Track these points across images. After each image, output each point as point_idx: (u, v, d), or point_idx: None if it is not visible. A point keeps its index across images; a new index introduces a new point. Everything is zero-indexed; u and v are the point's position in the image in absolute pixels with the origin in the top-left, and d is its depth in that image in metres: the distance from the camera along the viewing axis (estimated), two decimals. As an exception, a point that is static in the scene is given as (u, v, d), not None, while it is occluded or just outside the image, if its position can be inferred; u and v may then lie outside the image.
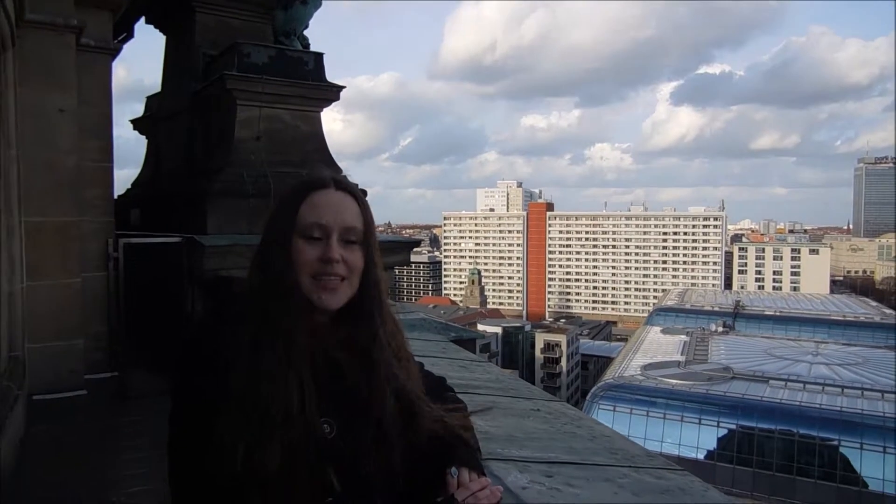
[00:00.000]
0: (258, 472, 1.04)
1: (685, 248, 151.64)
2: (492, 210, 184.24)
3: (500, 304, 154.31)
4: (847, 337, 55.75)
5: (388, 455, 1.19)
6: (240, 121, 6.44)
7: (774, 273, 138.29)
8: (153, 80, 8.72)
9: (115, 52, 5.93)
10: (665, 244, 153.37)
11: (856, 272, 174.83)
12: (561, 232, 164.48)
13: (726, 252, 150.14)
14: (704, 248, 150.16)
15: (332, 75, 6.92)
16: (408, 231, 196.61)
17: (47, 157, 4.89)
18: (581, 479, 2.38)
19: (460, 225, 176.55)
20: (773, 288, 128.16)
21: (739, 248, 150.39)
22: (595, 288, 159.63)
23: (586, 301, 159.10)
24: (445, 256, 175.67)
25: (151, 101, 9.25)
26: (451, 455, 1.25)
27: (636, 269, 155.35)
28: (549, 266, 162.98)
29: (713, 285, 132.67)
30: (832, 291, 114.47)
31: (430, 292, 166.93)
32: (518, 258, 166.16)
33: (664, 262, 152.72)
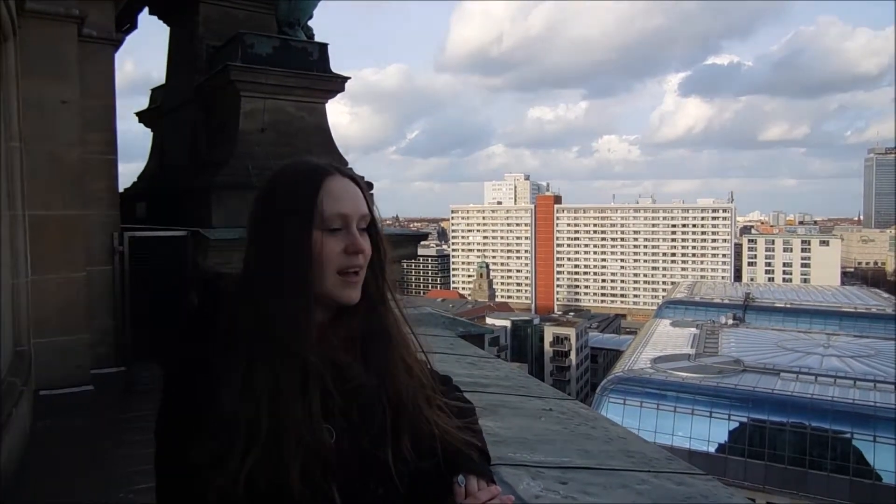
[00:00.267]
0: (257, 491, 0.96)
1: (694, 240, 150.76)
2: (499, 203, 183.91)
3: (509, 297, 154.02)
4: (858, 329, 55.22)
5: (394, 462, 1.09)
6: (244, 113, 6.37)
7: (784, 265, 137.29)
8: (161, 73, 8.68)
9: (118, 42, 5.86)
10: (674, 236, 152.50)
11: (867, 263, 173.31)
12: (569, 225, 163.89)
13: (736, 244, 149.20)
14: (714, 241, 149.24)
15: (338, 68, 6.85)
16: (415, 224, 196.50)
17: (50, 149, 4.83)
18: (597, 486, 2.25)
19: (468, 218, 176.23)
20: (784, 280, 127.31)
21: (749, 240, 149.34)
22: (604, 281, 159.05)
23: (595, 294, 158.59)
24: (453, 250, 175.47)
25: (156, 93, 9.20)
26: (459, 462, 1.16)
27: (645, 261, 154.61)
28: (558, 259, 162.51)
29: (723, 277, 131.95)
30: (843, 283, 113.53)
31: (438, 286, 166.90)
32: (526, 251, 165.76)
33: (673, 254, 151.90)
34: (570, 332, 78.02)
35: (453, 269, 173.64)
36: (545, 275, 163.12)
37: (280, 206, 1.09)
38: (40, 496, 3.49)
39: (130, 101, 10.17)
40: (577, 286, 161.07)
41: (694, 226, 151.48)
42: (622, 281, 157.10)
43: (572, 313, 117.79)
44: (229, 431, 0.96)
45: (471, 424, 1.24)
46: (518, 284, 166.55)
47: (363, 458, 1.06)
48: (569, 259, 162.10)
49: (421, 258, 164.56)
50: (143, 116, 9.80)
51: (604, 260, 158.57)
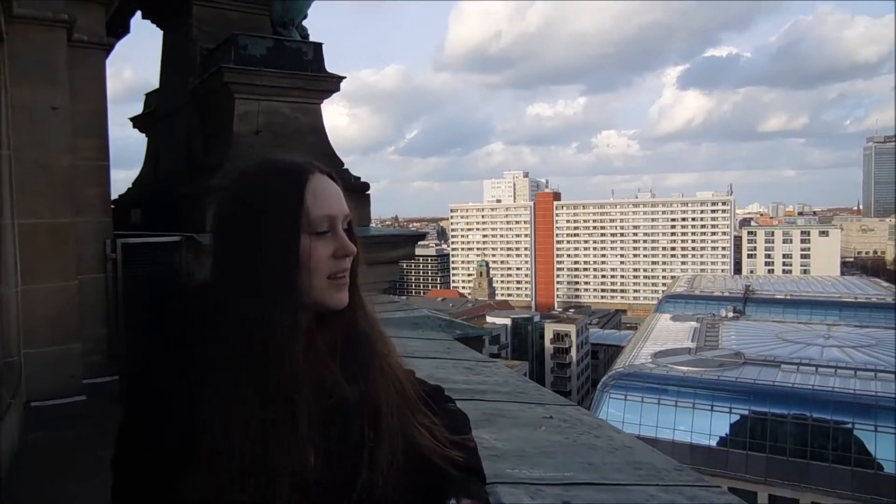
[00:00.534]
0: None
1: (693, 233, 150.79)
2: (499, 201, 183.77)
3: (509, 295, 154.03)
4: (859, 319, 55.21)
5: (379, 484, 1.01)
6: (238, 115, 6.29)
7: (784, 256, 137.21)
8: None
9: (109, 47, 5.77)
10: (673, 230, 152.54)
11: (867, 253, 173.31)
12: (568, 221, 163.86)
13: (735, 236, 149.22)
14: (713, 234, 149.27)
15: (336, 69, 6.78)
16: (415, 224, 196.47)
17: (40, 156, 4.74)
18: None
19: (467, 217, 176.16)
20: (784, 271, 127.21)
21: (748, 232, 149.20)
22: (604, 276, 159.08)
23: (595, 290, 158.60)
24: (453, 249, 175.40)
25: (151, 97, 9.12)
26: (450, 483, 1.07)
27: (644, 256, 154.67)
28: (558, 256, 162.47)
29: (722, 270, 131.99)
30: (843, 273, 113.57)
31: (438, 285, 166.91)
32: (526, 249, 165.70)
33: (673, 248, 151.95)
34: (571, 329, 78.02)
35: (453, 269, 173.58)
36: (545, 272, 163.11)
37: (261, 208, 0.99)
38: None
39: (129, 107, 10.11)
40: (577, 282, 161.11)
41: (693, 219, 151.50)
42: (622, 276, 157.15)
43: (572, 310, 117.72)
44: (220, 464, 0.87)
45: (465, 441, 1.15)
46: (518, 282, 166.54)
47: (343, 479, 0.98)
48: (568, 255, 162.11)
49: (420, 258, 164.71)
50: (137, 121, 9.72)
51: (603, 256, 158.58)
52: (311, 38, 6.75)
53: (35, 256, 4.70)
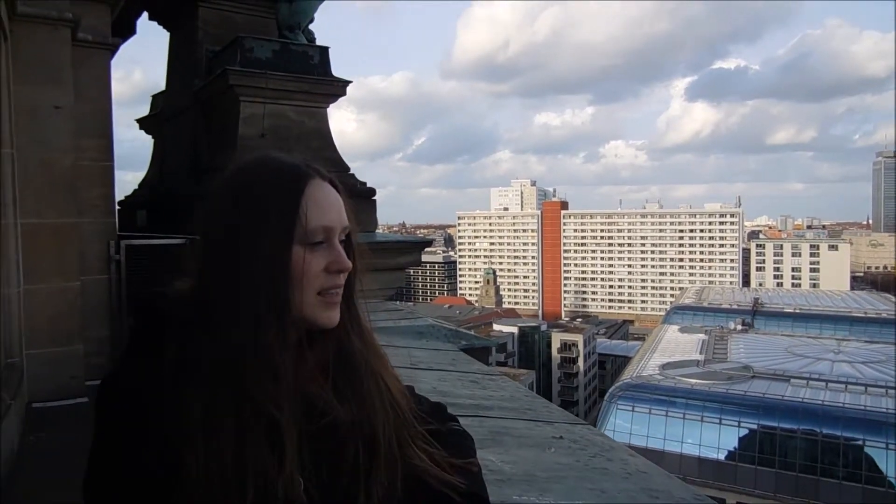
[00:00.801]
0: None
1: (701, 245, 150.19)
2: (506, 209, 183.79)
3: (516, 303, 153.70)
4: (869, 334, 54.66)
5: None
6: (243, 118, 6.26)
7: (793, 269, 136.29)
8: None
9: (114, 47, 5.74)
10: (681, 242, 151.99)
11: (876, 267, 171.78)
12: (576, 230, 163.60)
13: (743, 249, 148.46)
14: (721, 246, 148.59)
15: (343, 75, 6.73)
16: (422, 231, 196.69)
17: (43, 155, 4.71)
18: None
19: (475, 224, 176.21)
20: (792, 285, 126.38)
21: (757, 245, 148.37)
22: (611, 287, 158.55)
23: (602, 300, 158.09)
24: (460, 256, 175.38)
25: (157, 99, 9.12)
26: None
27: (652, 267, 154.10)
28: (565, 265, 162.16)
29: (731, 283, 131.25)
30: (853, 287, 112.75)
31: (445, 292, 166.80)
32: (533, 257, 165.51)
33: (680, 259, 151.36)
34: (578, 339, 77.67)
35: (460, 276, 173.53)
36: (552, 281, 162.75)
37: (252, 213, 0.90)
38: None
39: (139, 110, 10.12)
40: (584, 292, 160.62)
41: (701, 231, 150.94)
42: (630, 287, 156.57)
43: (580, 319, 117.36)
44: (202, 487, 0.80)
45: (468, 465, 1.04)
46: (525, 291, 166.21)
47: None
48: (576, 265, 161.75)
49: (427, 265, 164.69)
50: (143, 123, 9.72)
51: (611, 265, 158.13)
52: (315, 40, 6.72)
53: (37, 257, 4.66)
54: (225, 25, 6.90)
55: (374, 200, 6.90)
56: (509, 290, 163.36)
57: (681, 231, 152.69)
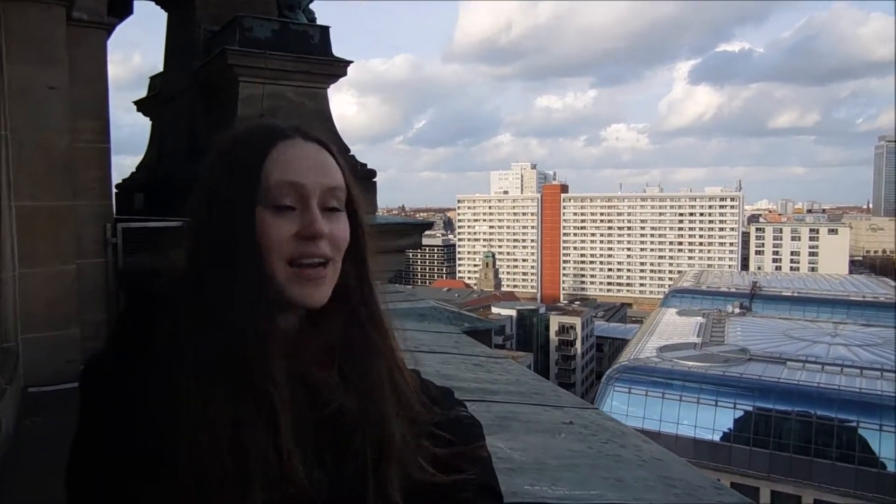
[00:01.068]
0: None
1: (701, 228, 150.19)
2: (506, 192, 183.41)
3: (515, 286, 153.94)
4: (866, 317, 54.99)
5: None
6: (242, 98, 6.16)
7: (792, 253, 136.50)
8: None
9: (111, 27, 5.65)
10: (681, 225, 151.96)
11: (875, 252, 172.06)
12: (575, 214, 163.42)
13: (743, 233, 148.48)
14: (721, 229, 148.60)
15: (345, 58, 6.62)
16: (422, 214, 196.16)
17: (38, 137, 4.63)
18: None
19: (474, 208, 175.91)
20: (791, 268, 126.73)
21: (756, 229, 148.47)
22: (610, 270, 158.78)
23: (601, 283, 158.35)
24: (460, 239, 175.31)
25: (155, 80, 9.02)
26: None
27: (651, 250, 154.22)
28: (564, 248, 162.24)
29: (729, 266, 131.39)
30: (851, 271, 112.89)
31: (444, 275, 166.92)
32: (532, 241, 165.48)
33: (680, 243, 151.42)
34: (576, 322, 77.97)
35: (459, 259, 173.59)
36: (551, 264, 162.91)
37: (221, 176, 0.86)
38: (29, 494, 3.35)
39: (138, 93, 9.99)
40: (583, 275, 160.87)
41: (701, 214, 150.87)
42: (628, 270, 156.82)
43: (578, 302, 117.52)
44: (187, 471, 0.75)
45: (477, 451, 0.99)
46: (524, 274, 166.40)
47: (341, 501, 0.84)
48: (575, 248, 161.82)
49: (427, 248, 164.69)
50: (141, 105, 9.61)
51: (610, 249, 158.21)
52: (316, 20, 6.61)
53: (33, 240, 4.60)
54: (223, 5, 6.78)
55: (375, 183, 6.83)
56: (508, 273, 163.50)
57: (681, 214, 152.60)
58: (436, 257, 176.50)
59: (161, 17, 7.94)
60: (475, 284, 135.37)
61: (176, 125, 7.67)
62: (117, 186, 8.03)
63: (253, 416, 0.78)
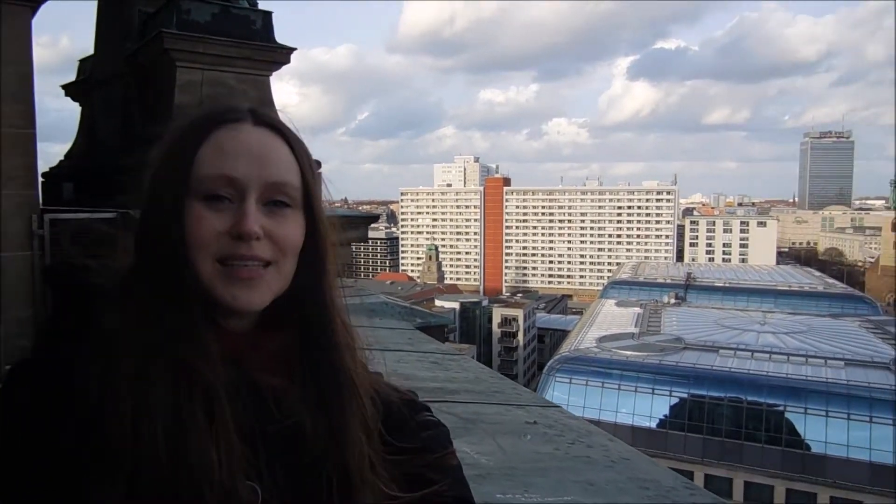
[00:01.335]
0: None
1: (639, 221, 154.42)
2: (449, 185, 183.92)
3: (458, 279, 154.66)
4: (792, 306, 57.75)
5: None
6: (179, 85, 5.91)
7: (724, 245, 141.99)
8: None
9: (36, 5, 5.31)
10: (619, 218, 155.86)
11: (800, 244, 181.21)
12: (518, 207, 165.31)
13: (678, 225, 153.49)
14: (657, 222, 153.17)
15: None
16: (365, 207, 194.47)
17: (-45, 121, 4.33)
18: None
19: (417, 200, 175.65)
20: (723, 260, 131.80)
21: (691, 222, 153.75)
22: (551, 262, 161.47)
23: (542, 275, 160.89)
24: (402, 232, 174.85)
25: (84, 64, 8.57)
26: None
27: (591, 243, 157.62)
28: (506, 241, 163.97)
29: (665, 258, 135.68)
30: (778, 262, 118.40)
31: (387, 268, 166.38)
32: (475, 233, 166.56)
33: (618, 235, 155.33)
34: (518, 313, 79.00)
35: (402, 252, 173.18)
36: (494, 257, 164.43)
37: (157, 168, 0.82)
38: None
39: (66, 77, 9.44)
40: (525, 268, 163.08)
41: (639, 208, 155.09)
42: (569, 262, 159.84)
43: (520, 294, 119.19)
44: (124, 462, 0.70)
45: (446, 459, 0.92)
46: (467, 266, 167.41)
47: None
48: (517, 241, 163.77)
49: (370, 241, 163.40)
50: (70, 89, 9.11)
51: (551, 241, 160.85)
52: (258, 4, 6.41)
53: (-50, 231, 4.30)
54: (159, -15, 6.49)
55: (320, 174, 6.70)
56: (451, 266, 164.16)
57: (619, 208, 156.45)
58: (379, 250, 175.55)
59: (88, -6, 7.54)
60: (418, 277, 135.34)
61: (108, 112, 7.30)
62: (44, 175, 7.59)
63: (190, 407, 0.73)
